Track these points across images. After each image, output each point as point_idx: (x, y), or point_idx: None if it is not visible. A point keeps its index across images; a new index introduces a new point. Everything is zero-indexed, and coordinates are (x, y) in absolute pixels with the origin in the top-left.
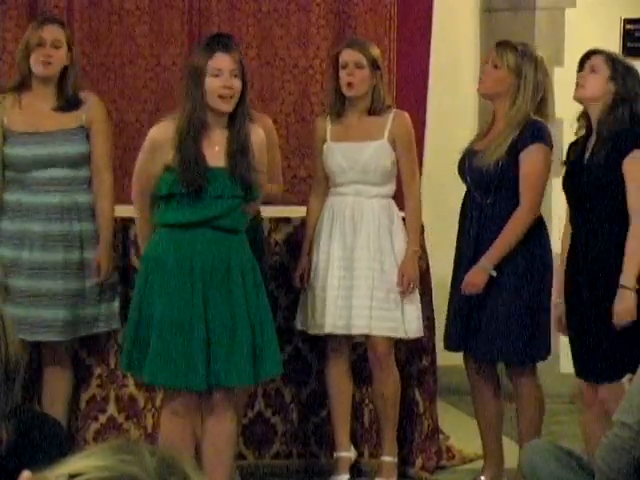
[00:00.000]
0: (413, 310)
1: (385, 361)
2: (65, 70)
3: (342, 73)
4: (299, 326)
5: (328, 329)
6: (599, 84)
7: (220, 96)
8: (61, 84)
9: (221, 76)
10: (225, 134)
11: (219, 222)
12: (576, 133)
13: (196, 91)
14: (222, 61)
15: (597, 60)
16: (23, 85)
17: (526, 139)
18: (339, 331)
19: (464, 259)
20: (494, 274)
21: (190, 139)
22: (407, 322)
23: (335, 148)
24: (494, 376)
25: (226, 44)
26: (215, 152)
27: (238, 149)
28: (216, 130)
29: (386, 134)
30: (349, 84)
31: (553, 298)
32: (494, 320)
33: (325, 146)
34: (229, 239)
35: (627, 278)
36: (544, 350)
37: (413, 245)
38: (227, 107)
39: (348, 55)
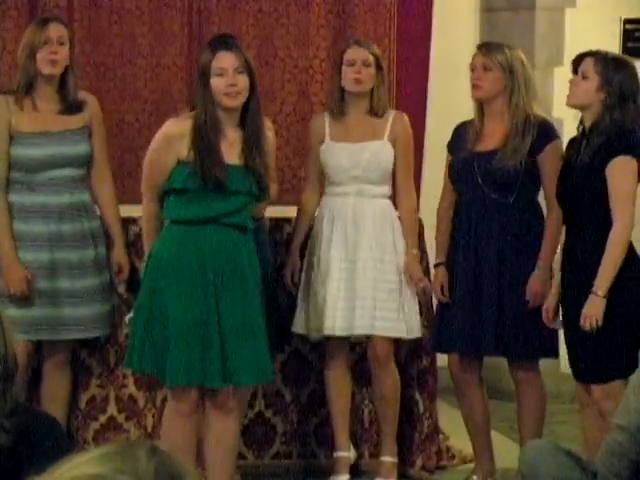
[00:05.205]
0: (413, 310)
1: (385, 361)
2: (65, 69)
3: (348, 70)
4: (300, 330)
5: (327, 331)
6: (587, 92)
7: (226, 94)
8: (62, 83)
9: (225, 75)
10: (239, 132)
11: (229, 219)
12: (577, 129)
13: (204, 92)
14: (225, 60)
15: (587, 66)
16: (30, 87)
17: (540, 140)
18: (339, 333)
19: (486, 260)
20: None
21: (208, 136)
22: (407, 322)
23: (336, 147)
24: (480, 377)
25: (228, 42)
26: (230, 150)
27: (254, 147)
28: (230, 128)
29: (386, 134)
30: (357, 80)
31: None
32: (507, 316)
33: (324, 145)
34: (238, 237)
35: (601, 286)
36: (550, 348)
37: (412, 247)
38: (234, 103)
39: (356, 53)
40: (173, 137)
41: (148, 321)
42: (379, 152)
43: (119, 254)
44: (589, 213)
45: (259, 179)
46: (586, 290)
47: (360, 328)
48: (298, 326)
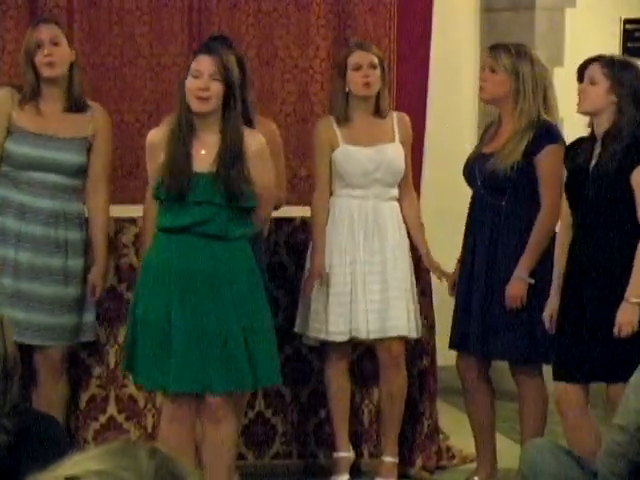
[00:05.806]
0: (417, 309)
1: (399, 361)
2: (71, 68)
3: (355, 74)
4: (317, 334)
5: (361, 335)
6: (599, 97)
7: (196, 97)
8: (68, 84)
9: (200, 78)
10: (217, 139)
11: (201, 228)
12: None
13: (182, 93)
14: (202, 62)
15: (594, 71)
16: (35, 92)
17: (539, 141)
18: (373, 336)
19: (478, 260)
20: (532, 282)
21: (177, 143)
22: (414, 321)
23: (354, 151)
24: (489, 377)
25: (210, 47)
26: (202, 156)
27: (227, 154)
28: (207, 134)
29: (397, 136)
30: (366, 84)
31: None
32: (508, 319)
33: (338, 150)
34: (213, 246)
35: (633, 293)
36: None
37: (425, 245)
38: (200, 107)
39: (361, 57)
40: (154, 146)
41: (130, 325)
42: (395, 154)
43: (95, 275)
44: (612, 220)
45: (228, 188)
46: (611, 296)
47: (394, 329)
48: (313, 330)
